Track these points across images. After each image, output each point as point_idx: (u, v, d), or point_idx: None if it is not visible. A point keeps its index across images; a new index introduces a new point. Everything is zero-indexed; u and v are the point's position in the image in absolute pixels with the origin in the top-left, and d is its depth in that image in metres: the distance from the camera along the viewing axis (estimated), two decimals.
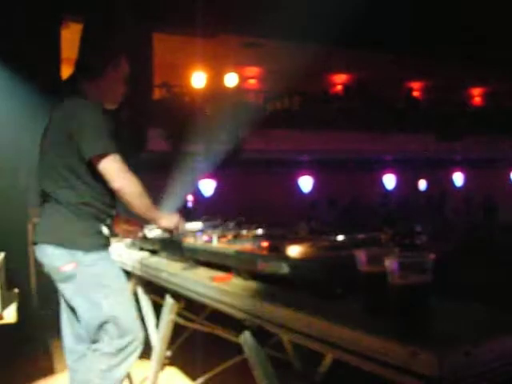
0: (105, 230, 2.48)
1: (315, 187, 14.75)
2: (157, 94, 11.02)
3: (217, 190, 13.15)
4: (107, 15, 4.48)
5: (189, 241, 2.85)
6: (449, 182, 16.91)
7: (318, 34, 9.97)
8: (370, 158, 14.29)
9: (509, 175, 17.94)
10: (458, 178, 17.31)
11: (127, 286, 2.65)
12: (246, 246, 2.51)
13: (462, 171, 17.16)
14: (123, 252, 3.44)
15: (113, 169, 2.35)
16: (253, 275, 2.12)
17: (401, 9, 9.70)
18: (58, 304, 2.58)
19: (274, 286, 1.96)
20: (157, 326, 3.13)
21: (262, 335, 2.01)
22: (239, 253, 2.23)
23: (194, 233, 3.00)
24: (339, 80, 15.82)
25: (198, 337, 3.23)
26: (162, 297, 2.99)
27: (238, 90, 12.87)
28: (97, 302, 2.34)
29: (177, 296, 2.82)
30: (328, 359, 2.53)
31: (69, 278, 2.36)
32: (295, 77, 12.82)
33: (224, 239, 2.81)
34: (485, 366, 1.23)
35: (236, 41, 11.01)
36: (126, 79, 2.62)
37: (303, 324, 1.59)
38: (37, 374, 3.64)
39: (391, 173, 16.14)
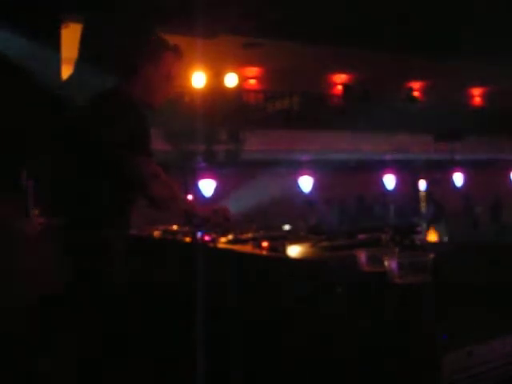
0: None
1: (315, 187, 14.74)
2: None
3: (217, 189, 13.13)
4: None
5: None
6: (448, 182, 16.88)
7: (318, 34, 9.96)
8: (369, 158, 14.26)
9: (509, 175, 17.91)
10: (458, 178, 17.27)
11: None
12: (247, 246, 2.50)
13: (461, 171, 17.13)
14: None
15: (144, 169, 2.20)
16: None
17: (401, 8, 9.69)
18: None
19: None
20: None
21: None
22: None
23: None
24: (339, 80, 15.80)
25: None
26: None
27: (238, 89, 12.85)
28: None
29: None
30: None
31: None
32: (295, 77, 12.82)
33: (224, 239, 2.81)
34: (485, 366, 1.23)
35: (236, 41, 10.99)
36: (171, 77, 2.38)
37: None
38: None
39: (391, 173, 16.11)
